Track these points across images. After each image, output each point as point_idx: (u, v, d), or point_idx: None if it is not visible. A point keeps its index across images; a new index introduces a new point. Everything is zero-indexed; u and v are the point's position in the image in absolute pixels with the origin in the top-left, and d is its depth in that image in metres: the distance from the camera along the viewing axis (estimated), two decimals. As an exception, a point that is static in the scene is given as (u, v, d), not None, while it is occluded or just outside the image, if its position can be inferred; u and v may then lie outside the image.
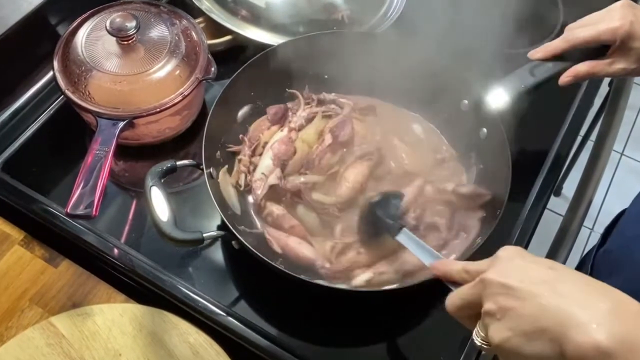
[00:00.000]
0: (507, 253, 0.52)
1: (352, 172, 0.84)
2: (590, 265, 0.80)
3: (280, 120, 0.88)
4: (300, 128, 0.87)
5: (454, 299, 0.54)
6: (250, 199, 0.83)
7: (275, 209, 0.80)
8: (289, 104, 0.91)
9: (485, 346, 0.51)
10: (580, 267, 0.87)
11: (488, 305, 0.50)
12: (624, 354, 0.42)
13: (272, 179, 0.81)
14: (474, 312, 0.52)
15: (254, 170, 0.84)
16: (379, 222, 0.75)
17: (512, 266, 0.50)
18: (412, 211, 0.80)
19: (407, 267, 0.76)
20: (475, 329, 0.52)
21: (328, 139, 0.85)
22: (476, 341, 0.52)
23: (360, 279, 0.76)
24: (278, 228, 0.80)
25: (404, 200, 0.80)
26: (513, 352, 0.48)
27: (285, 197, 0.82)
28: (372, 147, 0.86)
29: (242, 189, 0.82)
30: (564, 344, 0.44)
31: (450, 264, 0.59)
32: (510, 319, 0.48)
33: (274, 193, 0.82)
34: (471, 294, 0.52)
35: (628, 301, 0.45)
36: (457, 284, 0.56)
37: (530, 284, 0.48)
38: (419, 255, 0.68)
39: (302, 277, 0.72)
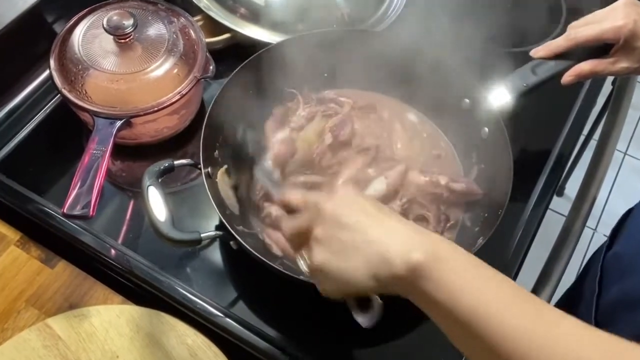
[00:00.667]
0: (344, 190, 0.58)
1: (347, 168, 0.84)
2: (599, 268, 0.80)
3: (285, 121, 0.89)
4: (300, 128, 0.87)
5: (289, 222, 0.59)
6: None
7: (274, 210, 0.80)
8: (289, 104, 0.91)
9: (307, 272, 0.57)
10: (588, 270, 0.87)
11: (317, 231, 0.55)
12: (432, 265, 0.48)
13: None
14: (306, 239, 0.56)
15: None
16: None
17: (347, 201, 0.55)
18: (398, 199, 0.81)
19: None
20: (303, 256, 0.58)
21: (328, 139, 0.85)
22: (302, 267, 0.58)
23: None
24: (277, 229, 0.80)
25: (386, 184, 0.83)
26: (329, 273, 0.53)
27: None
28: (371, 143, 0.86)
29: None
30: (378, 268, 0.50)
31: (291, 193, 0.62)
32: (333, 242, 0.53)
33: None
34: (306, 220, 0.56)
35: (439, 236, 0.52)
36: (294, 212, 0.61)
37: (360, 216, 0.53)
38: (270, 187, 0.76)
39: (301, 277, 0.72)
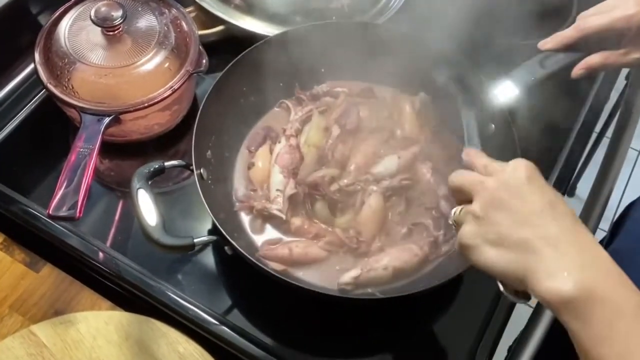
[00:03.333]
0: (518, 168, 0.55)
1: (359, 151, 0.86)
2: None
3: (265, 140, 0.89)
4: (297, 132, 0.88)
5: (456, 177, 0.59)
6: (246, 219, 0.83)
7: (294, 221, 0.81)
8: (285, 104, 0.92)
9: (454, 226, 0.58)
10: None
11: (475, 206, 0.54)
12: (584, 305, 0.46)
13: (289, 190, 0.82)
14: (466, 197, 0.57)
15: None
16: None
17: (516, 183, 0.54)
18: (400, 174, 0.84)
19: (397, 264, 0.77)
20: (456, 208, 0.58)
21: (336, 130, 0.86)
22: (450, 219, 0.59)
23: (348, 276, 0.76)
24: (301, 237, 0.81)
25: (397, 163, 0.85)
26: (476, 253, 0.53)
27: (303, 201, 0.83)
28: (381, 123, 0.89)
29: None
30: (529, 280, 0.49)
31: (479, 156, 0.62)
32: (490, 231, 0.52)
33: (294, 205, 0.83)
34: (470, 183, 0.57)
35: (600, 255, 0.50)
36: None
37: (523, 210, 0.52)
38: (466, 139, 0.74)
39: (297, 283, 0.72)
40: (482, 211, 0.54)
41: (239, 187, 0.86)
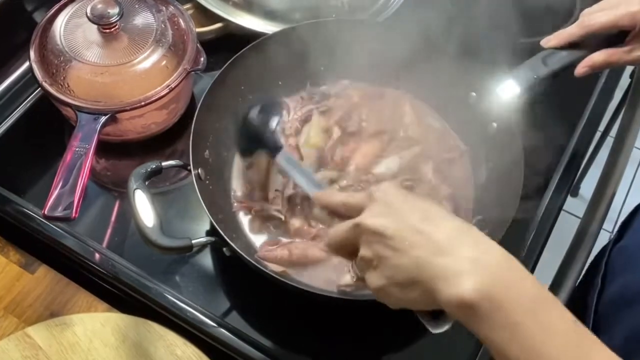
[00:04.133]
0: (383, 194, 0.55)
1: (359, 152, 0.86)
2: (605, 262, 0.81)
3: None
4: (297, 132, 0.88)
5: (333, 236, 0.58)
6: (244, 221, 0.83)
7: (293, 222, 0.81)
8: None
9: (360, 282, 0.57)
10: (595, 264, 0.87)
11: (363, 252, 0.54)
12: (487, 308, 0.46)
13: (288, 190, 0.82)
14: (352, 249, 0.56)
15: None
16: (257, 136, 0.76)
17: (389, 210, 0.53)
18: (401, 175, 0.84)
19: None
20: (352, 264, 0.58)
21: (336, 132, 0.86)
22: (351, 277, 0.59)
23: (348, 277, 0.76)
24: (301, 238, 0.81)
25: (398, 164, 0.84)
26: (389, 297, 0.53)
27: (299, 201, 0.82)
28: (383, 126, 0.88)
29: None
30: (435, 295, 0.49)
31: (331, 196, 0.62)
32: (386, 268, 0.52)
33: (292, 205, 0.82)
34: (347, 236, 0.56)
35: (492, 252, 0.49)
36: (342, 216, 0.60)
37: (406, 233, 0.51)
38: (301, 183, 0.71)
39: (296, 285, 0.72)
40: (370, 252, 0.53)
41: (238, 187, 0.86)
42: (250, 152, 0.80)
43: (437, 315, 0.54)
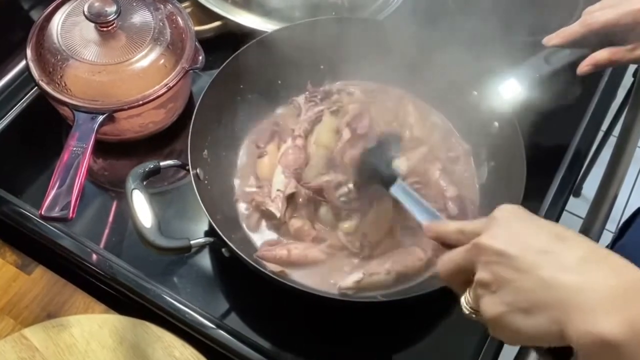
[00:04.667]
0: (505, 214, 0.51)
1: None
2: None
3: (273, 136, 0.89)
4: (306, 133, 0.88)
5: (446, 263, 0.54)
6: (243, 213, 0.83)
7: (294, 222, 0.81)
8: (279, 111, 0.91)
9: (473, 316, 0.51)
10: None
11: (482, 275, 0.48)
12: (633, 346, 0.39)
13: (288, 190, 0.82)
14: (467, 277, 0.51)
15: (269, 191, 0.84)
16: (373, 172, 0.75)
17: (511, 230, 0.49)
18: (411, 178, 0.83)
19: (400, 268, 0.77)
20: (465, 296, 0.52)
21: (346, 134, 0.86)
22: (464, 309, 0.52)
23: (350, 280, 0.76)
24: (300, 240, 0.81)
25: (406, 165, 0.83)
26: (508, 328, 0.47)
27: (304, 202, 0.82)
28: (391, 129, 0.88)
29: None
30: (566, 326, 0.42)
31: (446, 225, 0.58)
32: (507, 292, 0.46)
33: (292, 204, 0.82)
34: (464, 259, 0.51)
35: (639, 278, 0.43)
36: (453, 246, 0.55)
37: (531, 253, 0.46)
38: (415, 212, 0.67)
39: (296, 286, 0.72)
40: (490, 275, 0.48)
41: (244, 180, 0.86)
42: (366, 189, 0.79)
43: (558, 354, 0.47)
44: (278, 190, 0.83)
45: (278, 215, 0.81)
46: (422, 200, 0.68)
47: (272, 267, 0.77)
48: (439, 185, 0.85)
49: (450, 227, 0.57)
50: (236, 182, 0.86)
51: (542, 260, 0.45)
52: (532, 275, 0.45)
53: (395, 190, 0.71)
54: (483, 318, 0.49)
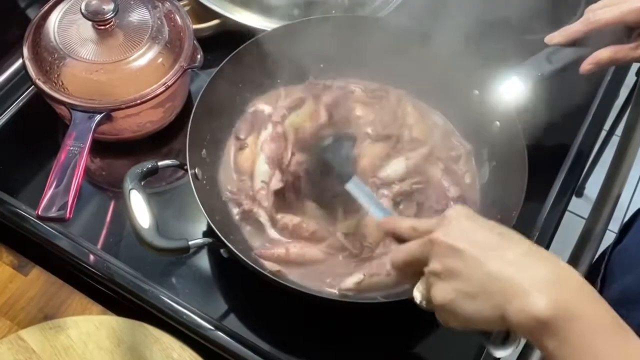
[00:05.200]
0: (455, 213, 0.57)
1: (364, 156, 0.85)
2: (604, 264, 0.81)
3: (253, 127, 0.88)
4: (283, 118, 0.87)
5: (400, 254, 0.60)
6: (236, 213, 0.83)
7: (289, 220, 0.81)
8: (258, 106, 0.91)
9: (424, 304, 0.57)
10: (596, 266, 0.87)
11: (434, 265, 0.55)
12: (561, 323, 0.46)
13: (275, 184, 0.82)
14: (418, 269, 0.57)
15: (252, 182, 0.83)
16: (329, 169, 0.78)
17: (461, 228, 0.55)
18: (412, 179, 0.84)
19: None
20: (417, 286, 0.58)
21: (323, 116, 0.85)
22: (416, 298, 0.58)
23: (350, 281, 0.76)
24: (298, 237, 0.80)
25: (405, 165, 0.85)
26: (454, 312, 0.53)
27: (291, 199, 0.82)
28: (391, 131, 0.88)
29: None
30: (505, 310, 0.49)
31: (399, 221, 0.64)
32: (455, 280, 0.53)
33: (282, 201, 0.82)
34: (418, 251, 0.57)
35: (570, 273, 0.50)
36: (404, 241, 0.61)
37: (478, 248, 0.53)
38: (370, 207, 0.72)
39: (296, 287, 0.72)
40: (441, 266, 0.54)
41: (227, 176, 0.85)
42: (322, 185, 0.81)
43: (500, 338, 0.54)
44: (262, 181, 0.82)
45: (268, 224, 0.81)
46: (375, 197, 0.75)
47: (270, 266, 0.77)
48: (441, 185, 0.85)
49: (404, 223, 0.63)
50: (223, 176, 0.85)
51: (489, 255, 0.52)
52: (479, 267, 0.52)
53: (350, 187, 0.75)
54: (432, 305, 0.55)
